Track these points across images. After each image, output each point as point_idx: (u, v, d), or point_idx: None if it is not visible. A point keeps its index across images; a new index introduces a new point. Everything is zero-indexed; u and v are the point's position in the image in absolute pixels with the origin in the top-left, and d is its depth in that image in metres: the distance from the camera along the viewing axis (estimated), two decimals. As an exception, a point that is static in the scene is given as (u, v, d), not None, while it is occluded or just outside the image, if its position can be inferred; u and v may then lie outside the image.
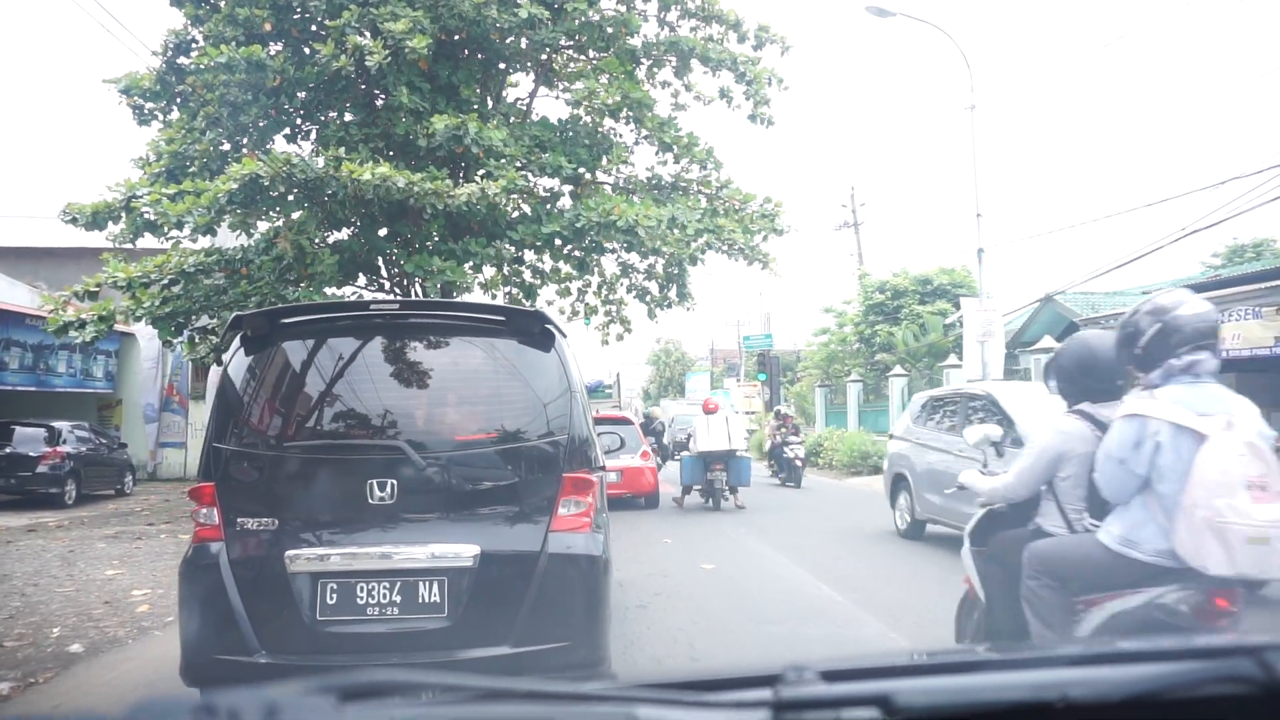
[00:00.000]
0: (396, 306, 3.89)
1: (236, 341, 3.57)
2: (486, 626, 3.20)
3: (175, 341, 13.35)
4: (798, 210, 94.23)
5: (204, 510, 3.34)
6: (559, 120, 13.95)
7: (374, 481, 3.25)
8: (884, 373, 25.68)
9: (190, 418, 19.52)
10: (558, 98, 15.68)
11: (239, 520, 3.29)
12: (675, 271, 16.44)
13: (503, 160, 10.97)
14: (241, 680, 3.04)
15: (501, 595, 3.22)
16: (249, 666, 3.08)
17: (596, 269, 17.62)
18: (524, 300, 16.80)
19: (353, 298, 13.87)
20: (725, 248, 12.83)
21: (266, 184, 9.47)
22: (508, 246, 11.58)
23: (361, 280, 14.44)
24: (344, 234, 12.94)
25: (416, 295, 15.02)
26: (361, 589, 3.18)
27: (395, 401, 3.53)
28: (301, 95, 12.10)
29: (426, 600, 3.18)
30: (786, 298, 71.61)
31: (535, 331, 3.55)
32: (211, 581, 3.20)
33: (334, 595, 3.17)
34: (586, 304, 18.50)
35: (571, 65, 14.88)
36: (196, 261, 11.57)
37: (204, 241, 12.55)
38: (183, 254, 11.59)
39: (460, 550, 3.22)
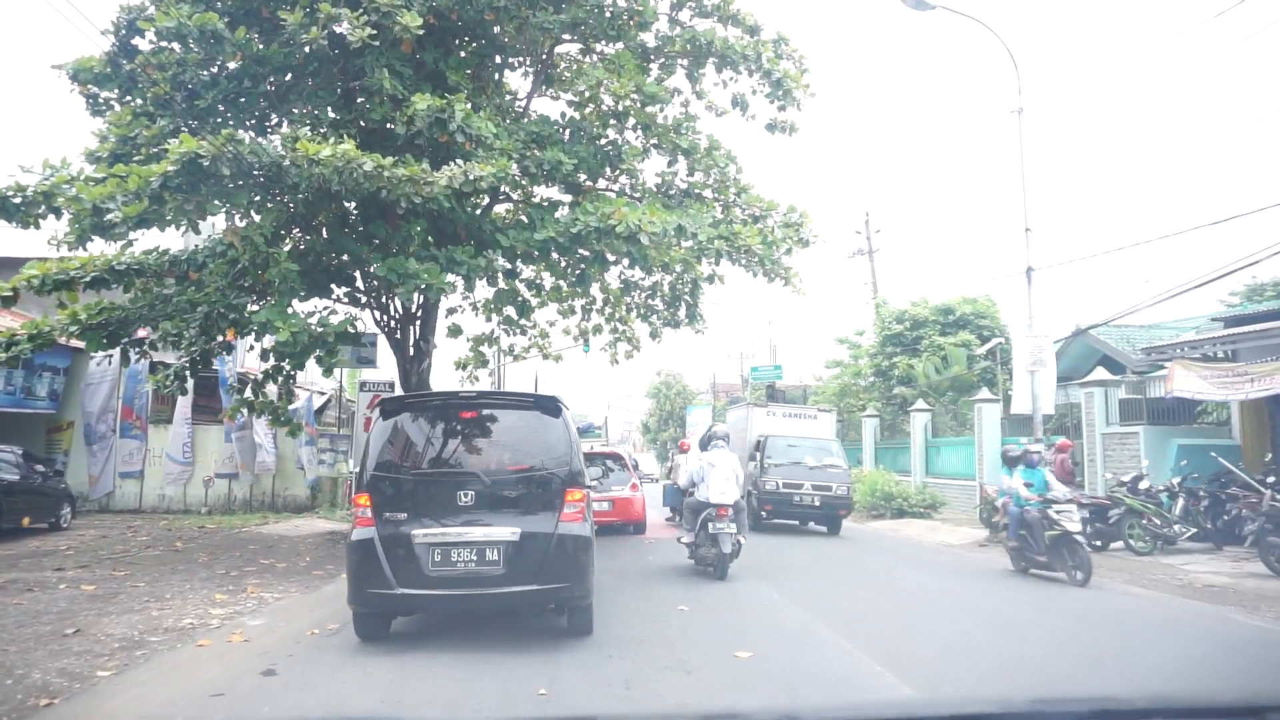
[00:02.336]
0: (474, 395, 6.64)
1: (377, 413, 6.33)
2: (524, 573, 5.66)
3: (135, 360, 11.72)
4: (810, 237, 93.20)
5: (362, 509, 5.82)
6: (561, 115, 12.51)
7: (460, 491, 5.83)
8: (902, 407, 24.06)
9: (151, 443, 17.77)
10: (557, 98, 14.27)
11: (384, 513, 5.76)
12: (685, 289, 14.90)
13: (494, 152, 9.45)
14: (384, 604, 5.72)
15: (532, 556, 5.70)
16: (389, 596, 5.60)
17: (598, 284, 16.10)
18: (519, 319, 15.23)
19: (324, 312, 12.31)
20: (742, 259, 11.24)
21: (208, 165, 7.90)
22: (500, 260, 9.97)
23: (334, 291, 12.91)
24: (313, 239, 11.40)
25: (395, 310, 13.55)
26: (454, 551, 5.65)
27: (471, 446, 6.26)
28: (269, 80, 10.63)
29: (490, 559, 5.66)
30: (794, 329, 69.74)
31: (551, 407, 6.35)
32: (368, 549, 5.64)
33: (439, 555, 5.64)
34: (591, 324, 16.96)
35: (575, 66, 13.52)
36: (133, 260, 9.98)
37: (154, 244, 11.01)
38: (116, 253, 9.97)
39: (509, 531, 5.72)
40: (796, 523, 15.12)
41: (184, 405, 17.04)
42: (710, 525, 9.08)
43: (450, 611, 6.15)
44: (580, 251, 10.08)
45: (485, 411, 6.29)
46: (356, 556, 5.64)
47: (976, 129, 54.17)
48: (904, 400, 23.61)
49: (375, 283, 12.87)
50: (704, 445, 10.22)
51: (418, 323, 13.54)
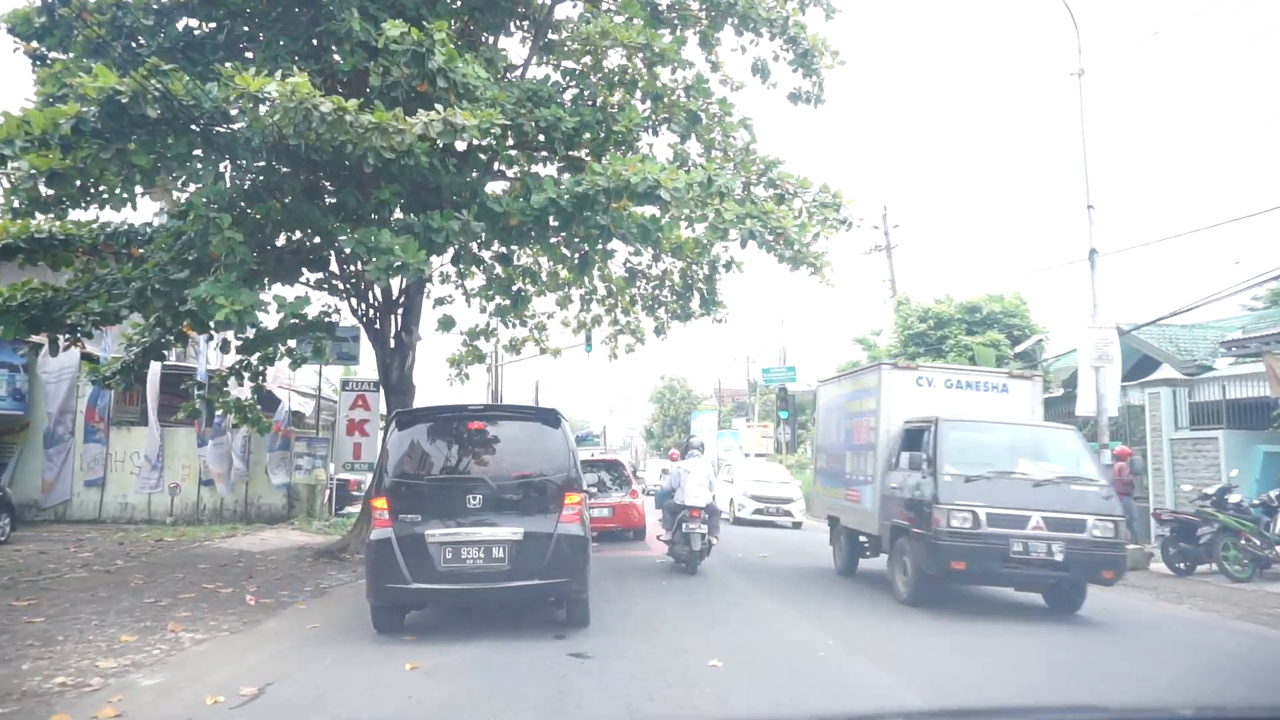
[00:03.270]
0: (482, 408, 7.79)
1: (394, 424, 7.05)
2: (527, 569, 6.19)
3: (64, 348, 10.25)
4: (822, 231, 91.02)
5: (380, 512, 6.35)
6: (562, 75, 11.07)
7: (469, 495, 6.37)
8: (927, 413, 22.62)
9: (113, 445, 16.27)
10: (558, 66, 12.80)
11: (400, 515, 6.28)
12: (699, 276, 13.42)
13: (480, 103, 7.98)
14: (400, 597, 6.32)
15: (534, 554, 6.22)
16: (405, 590, 6.15)
17: (600, 273, 14.61)
18: (512, 309, 13.75)
19: (293, 301, 10.82)
20: (772, 241, 9.72)
21: (128, 102, 6.44)
22: (476, 223, 8.46)
23: (305, 276, 11.44)
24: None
25: (375, 298, 12.04)
26: (464, 550, 6.18)
27: (478, 455, 6.79)
28: (224, 26, 9.18)
29: (497, 556, 6.19)
30: (805, 332, 67.35)
31: (551, 419, 6.98)
32: (386, 548, 6.15)
33: (450, 553, 6.16)
34: (590, 316, 15.46)
35: (578, 29, 12.04)
36: (60, 231, 8.52)
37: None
38: (38, 223, 8.50)
39: (514, 531, 6.25)
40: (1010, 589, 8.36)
41: (153, 401, 15.53)
42: (684, 525, 10.15)
43: (460, 604, 6.84)
44: (584, 223, 8.54)
45: (491, 423, 6.94)
46: (375, 554, 6.17)
47: (1011, 106, 52.45)
48: (928, 404, 22.13)
49: (352, 267, 11.42)
50: (684, 454, 11.54)
51: (400, 312, 12.06)
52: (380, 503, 6.30)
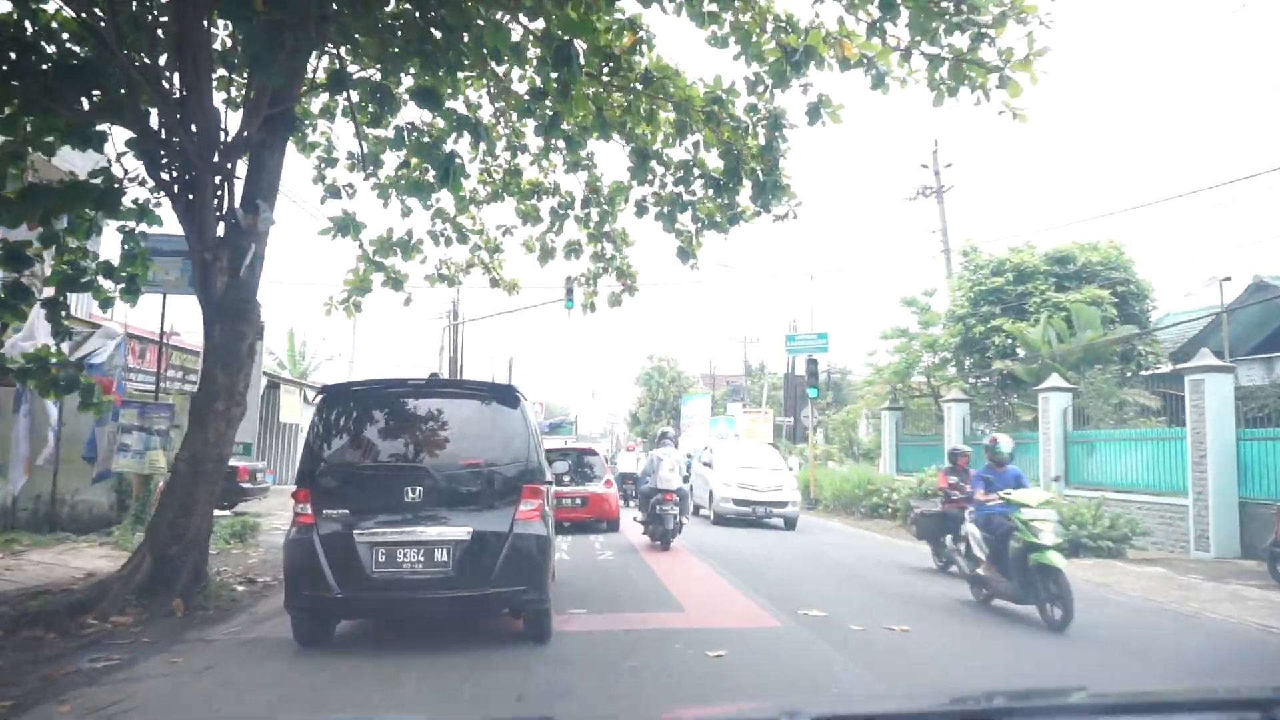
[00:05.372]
0: (424, 383, 6.16)
1: (320, 401, 5.87)
2: (475, 575, 5.24)
3: None
4: (855, 178, 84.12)
5: (301, 505, 5.37)
6: None
7: (408, 487, 5.37)
8: (1005, 386, 17.80)
9: None
10: None
11: (324, 510, 5.30)
12: (753, 152, 8.37)
13: None
14: (323, 608, 5.29)
15: (484, 557, 5.26)
16: (328, 600, 5.18)
17: (585, 164, 9.57)
18: (441, 183, 8.56)
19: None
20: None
21: None
22: None
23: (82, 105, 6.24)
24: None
25: (192, 141, 6.70)
26: (399, 552, 5.21)
27: (421, 439, 5.66)
28: None
29: (439, 559, 5.22)
30: (837, 294, 60.89)
31: (508, 397, 5.94)
32: (307, 549, 5.21)
33: (383, 555, 5.19)
34: (555, 235, 10.36)
35: None
36: None
37: None
38: None
39: (460, 530, 5.29)
40: None
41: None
42: (658, 507, 10.93)
43: (395, 616, 5.83)
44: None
45: (436, 401, 5.89)
46: (294, 557, 5.30)
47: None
48: (1007, 378, 17.27)
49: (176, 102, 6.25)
50: (658, 443, 12.48)
51: (235, 176, 6.90)
52: (301, 495, 5.39)
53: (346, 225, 9.12)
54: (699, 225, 9.39)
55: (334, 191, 9.42)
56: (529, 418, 5.87)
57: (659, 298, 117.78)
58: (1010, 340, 16.99)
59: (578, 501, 12.96)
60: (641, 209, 9.44)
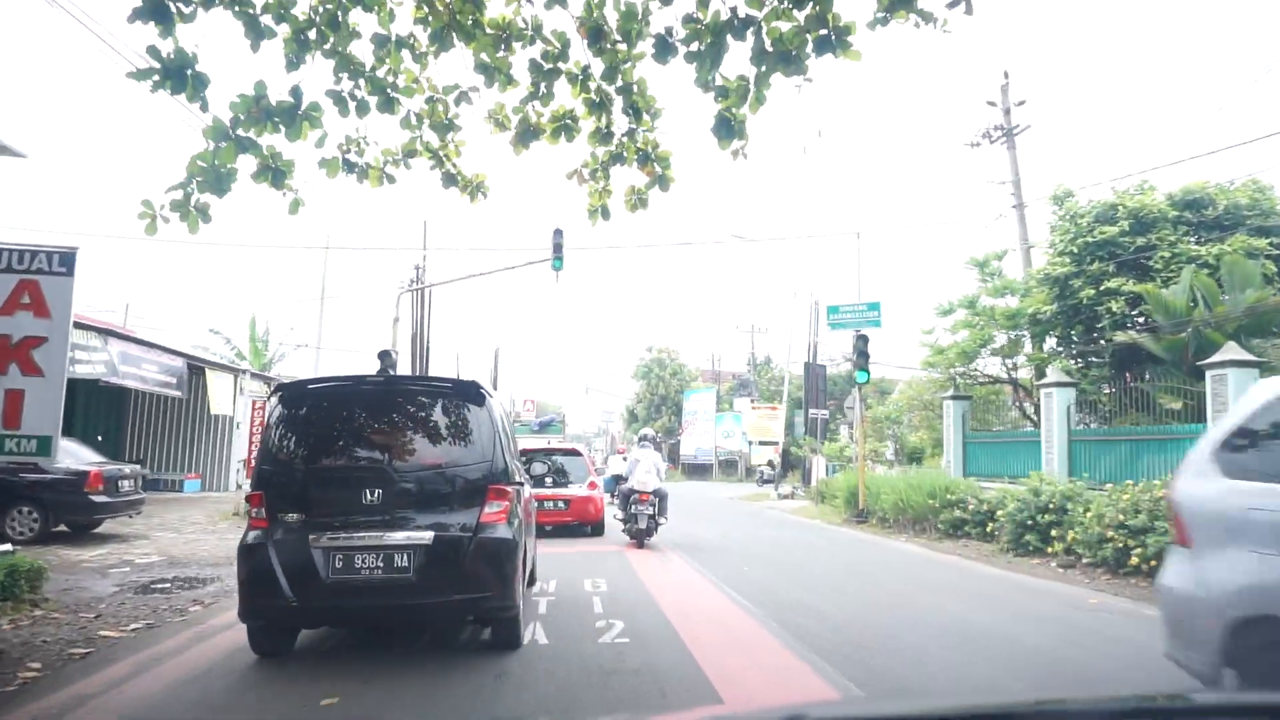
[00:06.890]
0: (384, 380, 6.41)
1: (275, 399, 5.64)
2: (439, 581, 5.09)
3: None
4: (908, 115, 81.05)
5: (255, 509, 5.26)
6: None
7: (367, 489, 5.18)
8: (1124, 366, 14.07)
9: None
10: None
11: (279, 514, 5.16)
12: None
13: None
14: (278, 617, 5.18)
15: (448, 563, 5.10)
16: (283, 608, 5.04)
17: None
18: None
19: None
20: None
21: None
22: None
23: None
24: None
25: None
26: (358, 558, 5.04)
27: (382, 438, 5.56)
28: None
29: (400, 565, 5.05)
30: (883, 254, 56.22)
31: (473, 394, 5.65)
32: (260, 555, 5.06)
33: (340, 561, 5.04)
34: (553, 110, 6.55)
35: None
36: None
37: None
38: None
39: (422, 535, 5.11)
40: None
41: None
42: (633, 507, 11.56)
43: (354, 625, 5.89)
44: None
45: (397, 398, 5.88)
46: (247, 563, 5.15)
47: None
48: (1127, 352, 13.48)
49: None
50: (638, 444, 12.90)
51: None
52: (255, 498, 5.29)
53: (175, 72, 5.21)
54: (762, 67, 5.45)
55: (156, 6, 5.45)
56: (495, 415, 5.76)
57: (657, 291, 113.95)
58: (1133, 305, 13.22)
59: (560, 504, 13.00)
60: (665, 48, 5.49)
